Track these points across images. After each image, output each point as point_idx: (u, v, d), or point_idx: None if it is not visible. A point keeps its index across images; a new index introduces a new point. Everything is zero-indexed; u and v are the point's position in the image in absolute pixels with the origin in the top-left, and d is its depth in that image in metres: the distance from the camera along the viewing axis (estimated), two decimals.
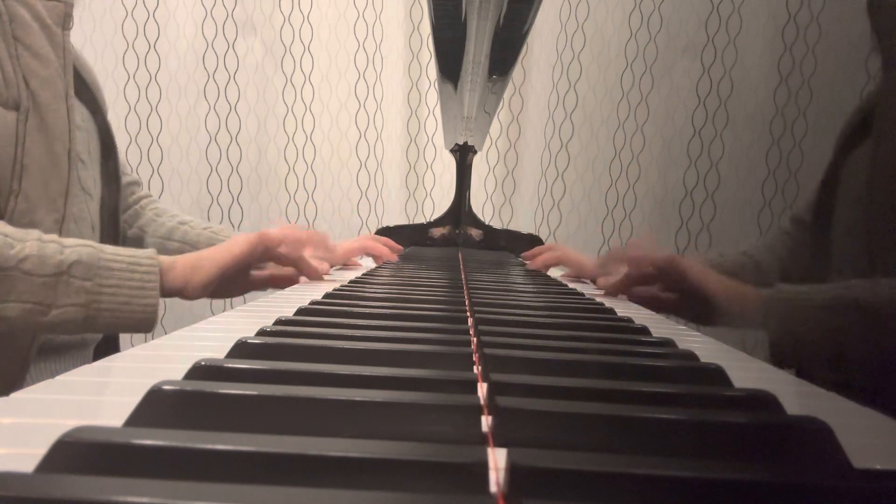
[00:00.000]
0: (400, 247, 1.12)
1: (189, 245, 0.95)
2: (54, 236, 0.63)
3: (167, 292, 0.68)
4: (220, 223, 1.53)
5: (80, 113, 0.80)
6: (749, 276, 0.92)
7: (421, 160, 1.66)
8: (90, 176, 0.82)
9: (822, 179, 0.80)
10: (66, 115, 0.73)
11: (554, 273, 1.04)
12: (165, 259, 0.68)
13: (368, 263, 1.08)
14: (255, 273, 0.80)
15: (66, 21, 0.75)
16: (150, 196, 1.02)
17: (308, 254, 0.83)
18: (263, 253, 0.76)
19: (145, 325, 0.66)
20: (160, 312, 0.66)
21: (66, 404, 0.27)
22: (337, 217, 1.64)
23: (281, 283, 0.82)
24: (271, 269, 0.83)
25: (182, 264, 0.69)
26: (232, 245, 0.74)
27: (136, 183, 1.00)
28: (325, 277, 0.83)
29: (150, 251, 0.67)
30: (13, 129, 0.68)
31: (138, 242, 0.96)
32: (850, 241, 0.74)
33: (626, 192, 1.60)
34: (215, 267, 0.71)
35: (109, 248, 0.65)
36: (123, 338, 0.95)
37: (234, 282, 0.76)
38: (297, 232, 0.82)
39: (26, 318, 0.59)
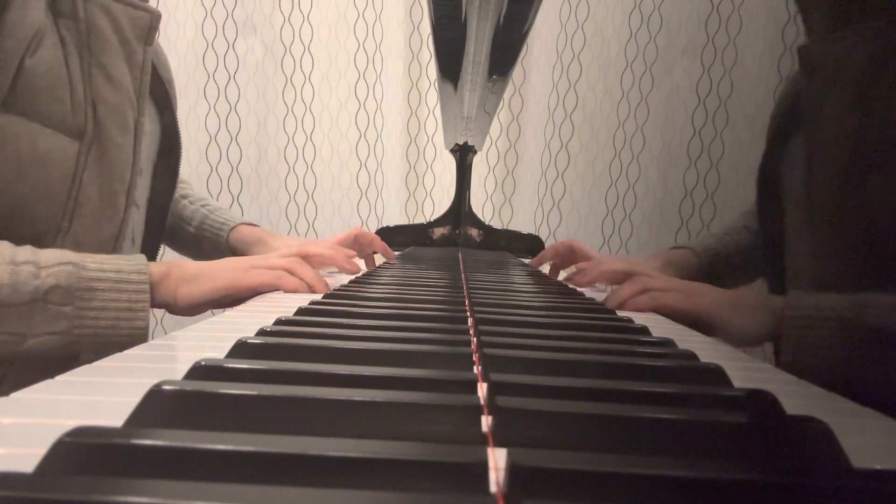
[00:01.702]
0: (391, 252, 1.09)
1: (184, 221, 0.94)
2: (29, 252, 0.56)
3: (156, 305, 0.62)
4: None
5: (150, 114, 0.74)
6: (756, 249, 0.91)
7: (421, 160, 1.66)
8: (144, 185, 0.77)
9: (760, 167, 0.80)
10: (130, 150, 0.66)
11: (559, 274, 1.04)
12: (157, 269, 0.62)
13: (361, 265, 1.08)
14: None
15: (149, 36, 0.67)
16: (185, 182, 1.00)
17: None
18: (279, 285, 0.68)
19: (132, 345, 0.61)
20: (151, 328, 0.60)
21: (66, 404, 0.27)
22: (337, 217, 1.64)
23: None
24: None
25: (176, 276, 0.62)
26: (241, 272, 0.65)
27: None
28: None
29: (140, 261, 0.60)
30: (73, 161, 0.61)
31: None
32: (798, 233, 0.74)
33: (626, 192, 1.61)
34: (213, 290, 0.63)
35: (93, 263, 0.58)
36: None
37: (223, 306, 0.68)
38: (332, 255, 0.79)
39: None
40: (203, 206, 0.96)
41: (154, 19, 0.67)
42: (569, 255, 1.01)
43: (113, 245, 0.67)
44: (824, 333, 0.55)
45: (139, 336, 0.58)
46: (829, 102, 0.63)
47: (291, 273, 0.67)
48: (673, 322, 0.60)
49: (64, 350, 0.56)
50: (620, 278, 0.76)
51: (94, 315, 0.56)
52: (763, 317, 0.60)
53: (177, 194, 0.94)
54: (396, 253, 1.13)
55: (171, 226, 0.94)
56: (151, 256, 0.85)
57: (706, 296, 0.64)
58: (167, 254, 1.01)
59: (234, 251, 0.92)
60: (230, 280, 0.64)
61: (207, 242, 0.94)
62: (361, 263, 1.06)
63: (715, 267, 0.92)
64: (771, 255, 0.80)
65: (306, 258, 0.76)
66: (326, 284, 0.69)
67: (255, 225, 0.96)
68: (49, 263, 0.55)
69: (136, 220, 0.77)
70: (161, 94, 0.78)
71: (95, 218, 0.65)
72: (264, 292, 0.66)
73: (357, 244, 1.03)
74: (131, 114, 0.66)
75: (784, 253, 0.76)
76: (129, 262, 0.59)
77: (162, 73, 0.77)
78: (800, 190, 0.69)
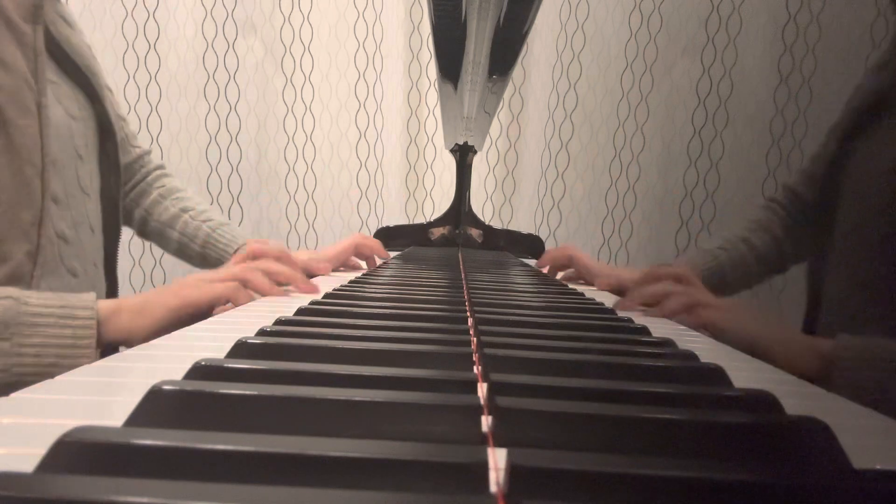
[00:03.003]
0: (386, 253, 1.08)
1: (187, 237, 0.94)
2: None
3: (107, 342, 0.59)
4: None
5: (77, 101, 0.75)
6: (752, 268, 0.92)
7: (421, 160, 1.66)
8: (87, 171, 0.77)
9: (831, 160, 0.80)
10: (36, 131, 0.64)
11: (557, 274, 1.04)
12: (106, 305, 0.58)
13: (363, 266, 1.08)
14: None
15: (36, 15, 0.66)
16: (162, 167, 0.99)
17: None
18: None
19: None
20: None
21: (66, 404, 0.27)
22: (337, 217, 1.64)
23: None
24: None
25: (128, 309, 0.59)
26: (187, 289, 0.62)
27: (147, 153, 0.98)
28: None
29: (88, 297, 0.57)
30: None
31: (144, 225, 0.95)
32: (856, 226, 0.74)
33: (626, 192, 1.61)
34: (164, 314, 0.60)
35: (37, 298, 0.54)
36: None
37: (186, 323, 0.65)
38: (271, 263, 0.70)
39: None
40: (205, 222, 0.95)
41: None
42: (568, 265, 1.01)
43: (37, 233, 0.65)
44: (876, 376, 0.54)
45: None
46: None
47: (245, 284, 0.64)
48: (673, 322, 0.60)
49: (3, 386, 0.52)
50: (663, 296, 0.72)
51: (34, 352, 0.53)
52: (811, 356, 0.59)
53: (177, 208, 0.94)
54: (397, 253, 1.13)
55: (178, 242, 0.94)
56: (112, 248, 0.85)
57: (756, 322, 0.62)
58: (177, 264, 1.01)
59: None
60: (181, 299, 0.61)
61: (214, 262, 0.94)
62: (363, 263, 1.06)
63: (709, 284, 0.91)
64: (819, 259, 0.80)
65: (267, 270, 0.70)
66: (283, 291, 0.67)
67: (265, 242, 0.96)
68: None
69: (92, 210, 0.77)
70: (84, 82, 0.77)
71: (11, 205, 0.63)
72: (219, 306, 0.64)
73: (358, 254, 1.03)
74: (30, 95, 0.64)
75: (831, 255, 0.77)
76: (76, 298, 0.57)
77: (77, 60, 0.76)
78: (874, 187, 0.68)
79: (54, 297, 0.56)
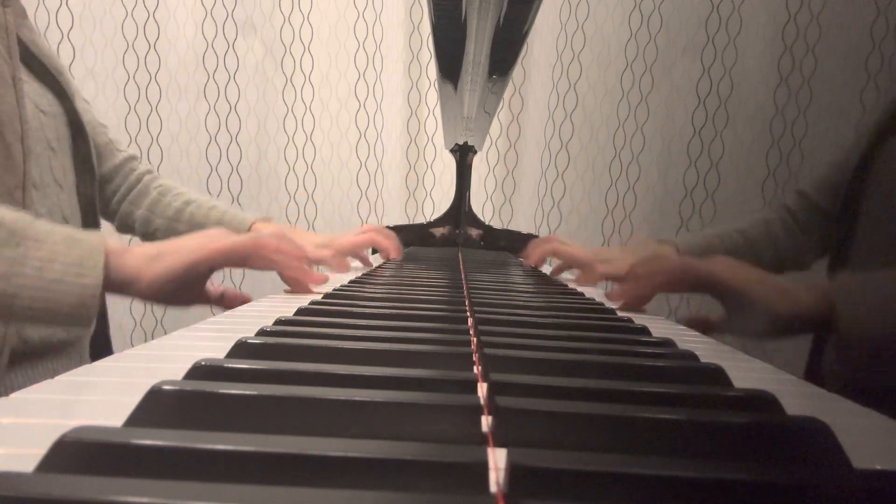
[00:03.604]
0: (401, 247, 1.10)
1: (196, 227, 0.94)
2: None
3: (113, 282, 0.56)
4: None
5: (46, 98, 0.77)
6: (744, 256, 0.92)
7: (421, 160, 1.66)
8: (60, 165, 0.78)
9: (856, 165, 0.80)
10: (13, 100, 0.67)
11: (545, 268, 1.04)
12: (116, 243, 0.57)
13: (376, 260, 1.08)
14: (208, 286, 0.68)
15: None
16: (152, 171, 0.99)
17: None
18: (248, 261, 0.64)
19: (80, 314, 0.53)
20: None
21: (66, 404, 0.27)
22: (337, 217, 1.64)
23: (233, 303, 0.70)
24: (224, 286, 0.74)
25: (139, 252, 0.58)
26: (208, 239, 0.60)
27: (134, 157, 0.98)
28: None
29: (97, 232, 0.56)
30: None
31: (147, 224, 0.95)
32: (879, 232, 0.75)
33: (626, 192, 1.61)
34: (181, 262, 0.58)
35: (45, 223, 0.54)
36: (117, 338, 0.94)
37: (190, 287, 0.63)
38: (289, 247, 0.69)
39: None
40: (210, 209, 0.96)
41: None
42: (553, 255, 1.01)
43: (21, 196, 0.67)
44: (879, 308, 0.54)
45: (88, 299, 0.53)
46: None
47: (262, 248, 0.64)
48: (673, 322, 0.60)
49: (2, 306, 0.51)
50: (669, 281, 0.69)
51: (37, 265, 0.51)
52: (811, 295, 0.58)
53: (179, 202, 0.94)
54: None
55: (183, 234, 0.94)
56: None
57: (751, 271, 0.61)
58: None
59: None
60: (199, 245, 0.60)
61: None
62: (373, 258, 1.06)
63: None
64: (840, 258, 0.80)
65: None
66: (306, 273, 0.67)
67: (269, 220, 0.97)
68: None
69: (65, 202, 0.78)
70: (53, 82, 0.80)
71: None
72: (238, 261, 0.63)
73: (377, 245, 1.03)
74: (6, 68, 0.67)
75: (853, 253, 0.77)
76: (85, 231, 0.56)
77: (46, 62, 0.79)
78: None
79: (60, 226, 0.55)
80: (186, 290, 0.63)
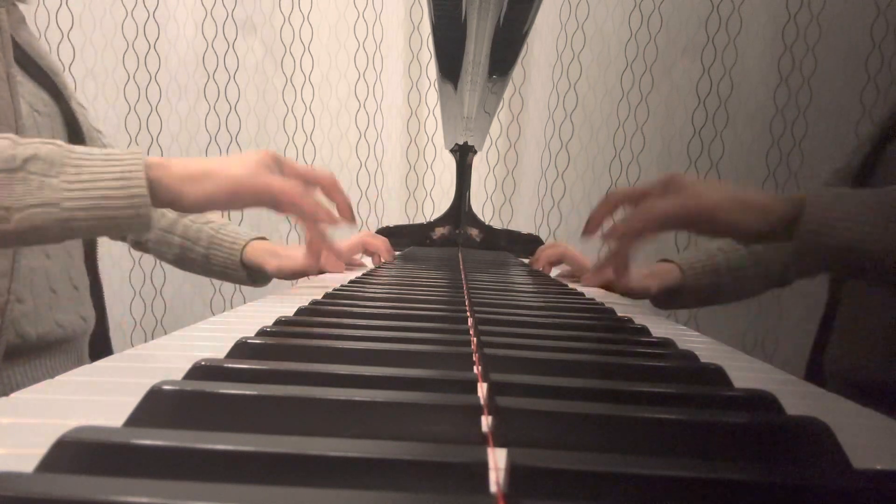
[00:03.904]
0: (391, 250, 1.10)
1: (189, 241, 0.94)
2: (10, 134, 0.55)
3: (156, 196, 0.57)
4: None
5: (41, 98, 0.78)
6: (749, 273, 0.91)
7: (421, 160, 1.66)
8: None
9: (858, 171, 0.80)
10: (8, 97, 0.68)
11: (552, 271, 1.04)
12: (155, 159, 0.58)
13: (368, 263, 1.08)
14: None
15: None
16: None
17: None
18: (281, 206, 0.62)
19: (139, 221, 0.55)
20: (154, 215, 0.55)
21: (66, 404, 0.27)
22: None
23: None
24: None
25: (180, 169, 0.58)
26: (250, 169, 0.60)
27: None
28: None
29: (134, 147, 0.59)
30: None
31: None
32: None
33: None
34: (222, 190, 0.58)
35: (81, 148, 0.56)
36: (117, 338, 0.95)
37: (232, 206, 0.63)
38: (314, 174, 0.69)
39: None
40: (206, 223, 0.96)
41: None
42: (561, 261, 1.02)
43: None
44: (847, 208, 0.54)
45: (140, 207, 0.55)
46: None
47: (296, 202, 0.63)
48: (673, 322, 0.60)
49: (61, 230, 0.53)
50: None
51: (83, 187, 0.53)
52: (783, 205, 0.58)
53: (173, 213, 0.94)
54: (397, 253, 1.13)
55: (179, 246, 0.94)
56: (91, 246, 0.87)
57: (722, 188, 0.60)
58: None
59: (249, 266, 0.93)
60: (242, 175, 0.60)
61: (218, 261, 0.94)
62: (368, 261, 1.06)
63: (700, 285, 0.91)
64: None
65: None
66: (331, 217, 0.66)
67: (264, 238, 0.97)
68: (28, 141, 0.54)
69: None
70: (48, 84, 0.80)
71: None
72: (272, 203, 0.62)
73: (365, 252, 1.04)
74: (0, 65, 0.68)
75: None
76: (119, 149, 0.58)
77: (40, 62, 0.79)
78: None
79: (97, 149, 0.56)
80: (231, 207, 0.64)
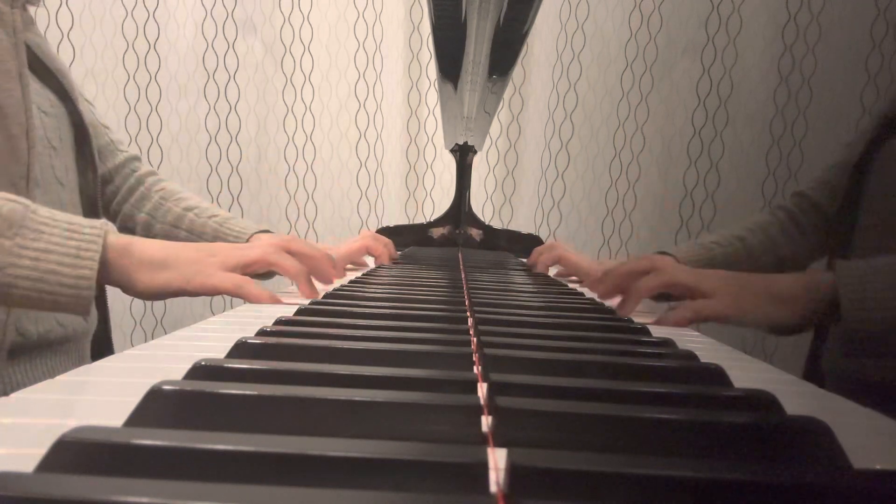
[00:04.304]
0: (396, 252, 1.09)
1: (195, 235, 0.94)
2: None
3: (109, 277, 0.57)
4: None
5: (48, 99, 0.79)
6: (744, 267, 0.91)
7: (421, 160, 1.66)
8: (62, 164, 0.80)
9: (854, 166, 0.81)
10: (20, 95, 0.70)
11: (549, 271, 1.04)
12: (117, 239, 0.57)
13: (370, 263, 1.08)
14: None
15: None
16: (154, 173, 1.00)
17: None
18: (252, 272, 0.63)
19: (77, 303, 0.54)
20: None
21: (66, 404, 0.27)
22: (337, 217, 1.64)
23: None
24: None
25: (141, 255, 0.58)
26: (211, 267, 0.60)
27: (136, 158, 0.98)
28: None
29: (97, 222, 0.57)
30: None
31: (149, 229, 0.95)
32: (878, 232, 0.75)
33: (626, 192, 1.60)
34: (179, 283, 0.59)
35: (45, 211, 0.56)
36: (118, 338, 0.94)
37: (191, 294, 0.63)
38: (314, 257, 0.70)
39: None
40: (211, 217, 0.96)
41: None
42: (557, 263, 1.02)
43: (25, 187, 0.69)
44: (883, 285, 0.54)
45: (84, 289, 0.54)
46: None
47: (273, 265, 0.65)
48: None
49: None
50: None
51: (33, 256, 0.52)
52: (813, 290, 0.58)
53: (180, 208, 0.95)
54: (398, 253, 1.13)
55: (186, 241, 0.94)
56: None
57: (746, 296, 0.60)
58: None
59: None
60: (190, 276, 0.59)
61: None
62: (371, 261, 1.06)
63: None
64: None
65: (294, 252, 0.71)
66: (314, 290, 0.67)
67: (269, 231, 0.96)
68: None
69: (67, 201, 0.79)
70: (56, 86, 0.81)
71: (2, 159, 0.68)
72: (234, 290, 0.61)
73: (369, 254, 1.04)
74: (14, 65, 0.70)
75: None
76: (86, 220, 0.57)
77: (48, 63, 0.80)
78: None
79: (60, 214, 0.56)
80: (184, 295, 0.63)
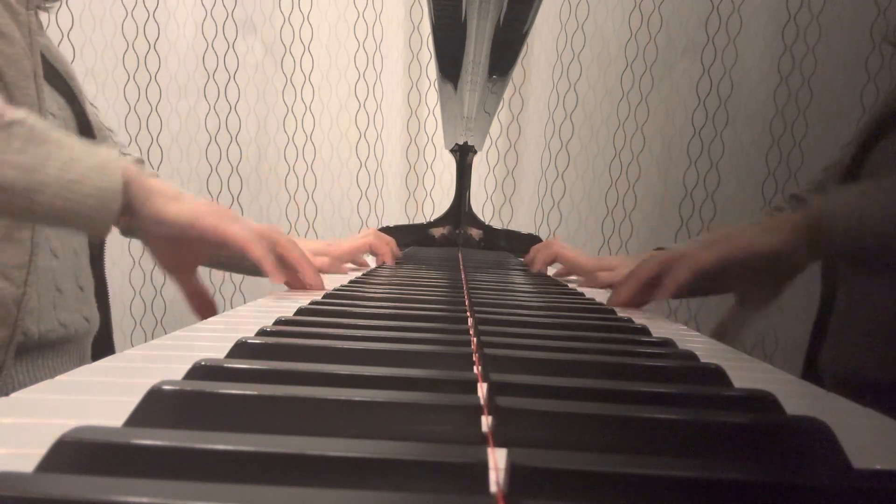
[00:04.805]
0: (399, 251, 1.10)
1: None
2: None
3: (128, 199, 0.57)
4: None
5: (56, 101, 0.79)
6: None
7: (421, 160, 1.66)
8: None
9: (847, 167, 0.81)
10: (35, 93, 0.71)
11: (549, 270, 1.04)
12: (133, 167, 0.58)
13: (372, 262, 1.08)
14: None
15: (29, 1, 0.73)
16: (156, 176, 1.00)
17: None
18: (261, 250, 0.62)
19: (99, 218, 0.54)
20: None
21: (66, 404, 0.27)
22: (337, 217, 1.64)
23: (201, 308, 0.72)
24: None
25: (157, 184, 0.58)
26: (222, 219, 0.59)
27: (140, 161, 0.99)
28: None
29: (113, 149, 0.59)
30: None
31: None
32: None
33: (626, 192, 1.60)
34: (191, 214, 0.58)
35: (65, 133, 0.57)
36: (118, 338, 0.94)
37: (184, 249, 0.63)
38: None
39: None
40: None
41: None
42: (555, 261, 1.01)
43: None
44: (866, 202, 0.55)
45: (109, 206, 0.54)
46: None
47: (276, 244, 0.65)
48: (673, 322, 0.60)
49: (22, 200, 0.52)
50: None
51: (60, 164, 0.52)
52: (799, 226, 0.59)
53: None
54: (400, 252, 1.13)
55: None
56: (99, 249, 0.88)
57: (733, 234, 0.61)
58: None
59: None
60: (204, 213, 0.59)
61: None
62: (372, 261, 1.06)
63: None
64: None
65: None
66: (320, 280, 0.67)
67: None
68: (18, 109, 0.54)
69: None
70: (63, 88, 0.82)
71: None
72: (233, 252, 0.61)
73: (372, 252, 1.03)
74: (28, 64, 0.70)
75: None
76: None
77: (57, 66, 0.81)
78: None
79: (76, 137, 0.57)
80: (181, 250, 0.64)
